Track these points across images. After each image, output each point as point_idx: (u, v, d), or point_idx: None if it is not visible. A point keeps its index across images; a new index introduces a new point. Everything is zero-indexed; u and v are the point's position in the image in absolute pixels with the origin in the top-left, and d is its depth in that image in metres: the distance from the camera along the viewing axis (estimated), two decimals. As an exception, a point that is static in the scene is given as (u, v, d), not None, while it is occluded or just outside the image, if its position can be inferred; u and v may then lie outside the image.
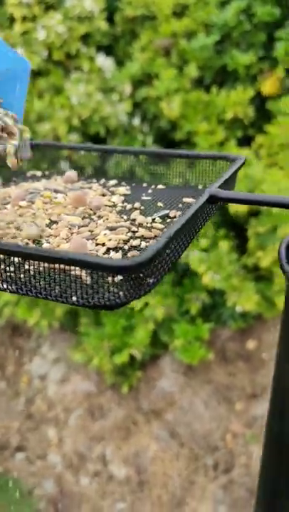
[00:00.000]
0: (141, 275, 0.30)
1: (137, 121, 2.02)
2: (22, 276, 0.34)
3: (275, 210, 1.90)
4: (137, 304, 2.02)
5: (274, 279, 2.06)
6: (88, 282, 0.32)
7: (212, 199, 0.40)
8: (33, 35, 2.00)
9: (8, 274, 0.35)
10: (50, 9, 2.06)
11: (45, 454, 2.02)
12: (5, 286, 0.35)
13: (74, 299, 0.32)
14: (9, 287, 0.35)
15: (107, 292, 0.32)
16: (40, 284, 0.33)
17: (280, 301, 2.02)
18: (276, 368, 0.49)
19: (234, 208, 1.91)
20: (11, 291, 0.35)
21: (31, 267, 0.34)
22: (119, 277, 0.31)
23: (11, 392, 2.32)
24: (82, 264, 0.30)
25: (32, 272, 0.34)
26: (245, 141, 2.05)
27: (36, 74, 2.02)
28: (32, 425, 2.14)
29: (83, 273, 0.32)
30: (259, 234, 1.98)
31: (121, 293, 0.31)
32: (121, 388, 2.11)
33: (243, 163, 0.50)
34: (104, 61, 2.05)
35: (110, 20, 2.21)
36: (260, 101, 2.04)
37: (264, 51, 1.97)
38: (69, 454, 1.98)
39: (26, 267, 0.34)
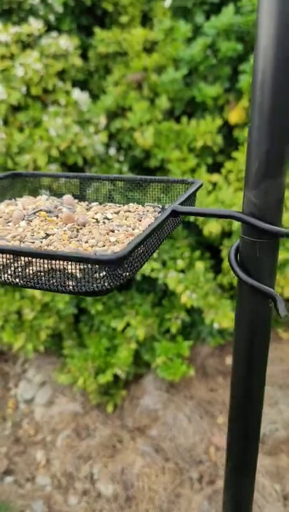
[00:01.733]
0: (119, 271, 0.39)
1: (112, 151, 2.13)
2: (30, 273, 0.42)
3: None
4: (118, 325, 2.10)
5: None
6: (79, 276, 0.40)
7: (174, 213, 0.49)
8: (11, 72, 2.10)
9: (19, 271, 0.43)
10: (27, 48, 2.18)
11: (33, 476, 2.05)
12: (16, 280, 0.43)
13: (70, 288, 0.40)
14: (20, 281, 0.43)
15: (95, 282, 0.40)
16: (42, 279, 0.42)
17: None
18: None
19: (208, 230, 2.01)
20: (20, 286, 0.43)
21: (36, 267, 0.42)
22: (103, 273, 0.39)
23: (-3, 417, 2.35)
24: (78, 259, 0.38)
25: (37, 269, 0.42)
26: (216, 167, 2.17)
27: (16, 108, 2.12)
28: (20, 449, 2.18)
29: (76, 271, 0.41)
30: (232, 253, 2.09)
31: (106, 282, 0.40)
32: (106, 407, 2.17)
33: (201, 186, 0.59)
34: (79, 95, 2.16)
35: (84, 56, 2.34)
36: (227, 129, 2.18)
37: (229, 83, 2.12)
38: (57, 474, 2.02)
39: (32, 267, 0.43)
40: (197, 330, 2.25)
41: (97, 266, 0.39)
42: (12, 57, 2.14)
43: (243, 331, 0.50)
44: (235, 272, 0.47)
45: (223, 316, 2.05)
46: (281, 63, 0.39)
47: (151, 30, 2.34)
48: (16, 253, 0.39)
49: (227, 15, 2.04)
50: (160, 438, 2.02)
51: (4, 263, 0.42)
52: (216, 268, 2.21)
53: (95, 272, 0.39)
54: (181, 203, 0.50)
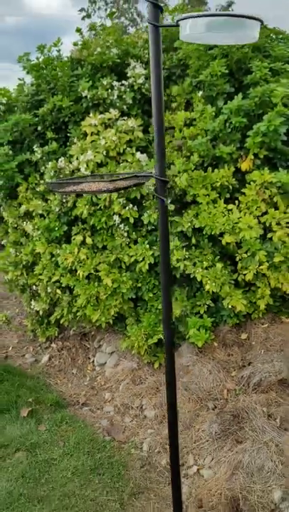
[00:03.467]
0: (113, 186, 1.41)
1: (161, 190, 3.18)
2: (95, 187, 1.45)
3: (251, 240, 2.93)
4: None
5: (257, 290, 3.05)
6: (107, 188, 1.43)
7: (135, 176, 1.50)
8: (97, 142, 3.28)
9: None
10: (108, 127, 3.36)
11: (102, 407, 2.99)
12: (90, 190, 1.46)
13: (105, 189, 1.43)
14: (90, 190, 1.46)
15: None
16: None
17: (261, 304, 2.99)
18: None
19: (225, 241, 2.95)
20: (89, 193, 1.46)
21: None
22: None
23: (80, 374, 3.34)
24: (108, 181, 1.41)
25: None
26: (231, 200, 3.15)
27: (99, 165, 3.28)
28: (94, 392, 3.14)
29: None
30: (244, 258, 3.01)
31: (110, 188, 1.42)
32: (154, 365, 3.08)
33: (151, 173, 1.60)
34: (141, 156, 3.28)
35: (146, 130, 3.48)
36: (241, 175, 3.16)
37: (240, 144, 3.13)
38: (118, 405, 2.94)
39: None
40: (220, 314, 3.14)
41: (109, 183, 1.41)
42: (98, 133, 3.33)
43: (160, 217, 1.47)
44: (155, 195, 1.46)
45: (236, 301, 2.95)
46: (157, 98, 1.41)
47: (192, 111, 3.44)
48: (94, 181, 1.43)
49: (237, 100, 3.08)
50: (189, 382, 2.89)
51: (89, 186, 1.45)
52: (234, 270, 3.12)
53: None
54: (140, 174, 1.50)
